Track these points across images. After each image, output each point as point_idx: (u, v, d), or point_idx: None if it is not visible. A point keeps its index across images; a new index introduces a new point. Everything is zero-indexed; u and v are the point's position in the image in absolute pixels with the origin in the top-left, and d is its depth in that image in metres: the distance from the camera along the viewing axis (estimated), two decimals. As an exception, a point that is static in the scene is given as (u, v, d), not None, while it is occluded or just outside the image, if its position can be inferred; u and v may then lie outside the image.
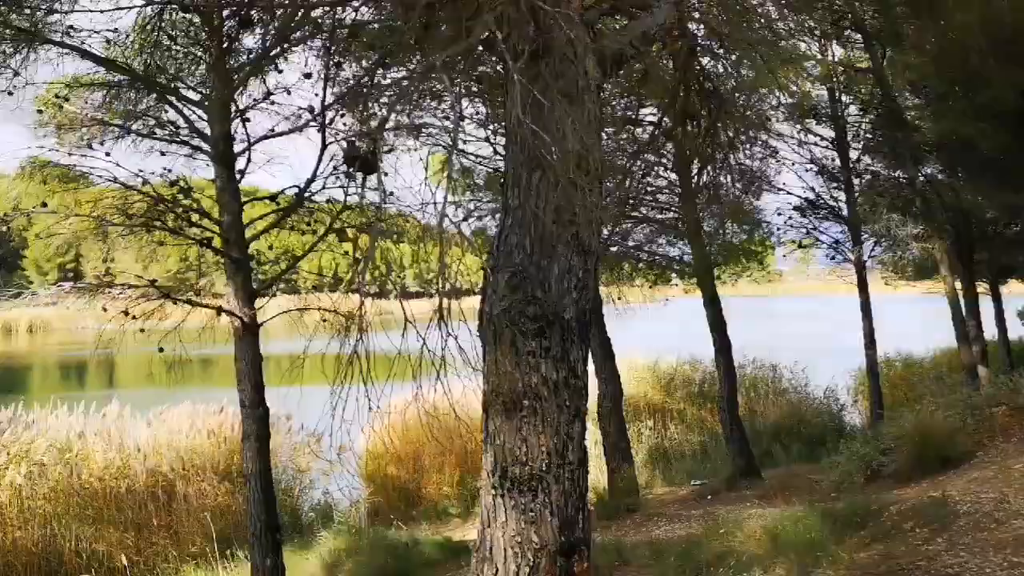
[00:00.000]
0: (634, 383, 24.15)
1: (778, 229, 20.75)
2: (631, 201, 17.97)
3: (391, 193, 6.36)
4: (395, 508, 19.09)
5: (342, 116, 11.07)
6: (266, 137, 11.90)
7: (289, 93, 11.62)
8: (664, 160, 17.18)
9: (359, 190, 5.09)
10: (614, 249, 18.21)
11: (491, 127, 14.66)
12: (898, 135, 18.44)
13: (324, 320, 11.73)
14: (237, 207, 11.55)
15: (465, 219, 16.37)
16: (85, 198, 11.13)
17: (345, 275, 13.71)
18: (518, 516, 4.48)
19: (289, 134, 11.84)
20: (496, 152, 15.43)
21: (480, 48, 4.94)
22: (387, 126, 4.38)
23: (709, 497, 16.44)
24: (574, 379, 4.62)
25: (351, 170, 4.56)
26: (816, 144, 21.13)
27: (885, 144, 20.06)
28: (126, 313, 10.28)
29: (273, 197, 12.23)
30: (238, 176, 11.42)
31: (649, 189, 17.74)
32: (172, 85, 11.52)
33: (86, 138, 11.45)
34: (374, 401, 4.63)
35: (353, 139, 5.12)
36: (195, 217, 11.27)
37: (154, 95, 11.45)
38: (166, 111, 11.73)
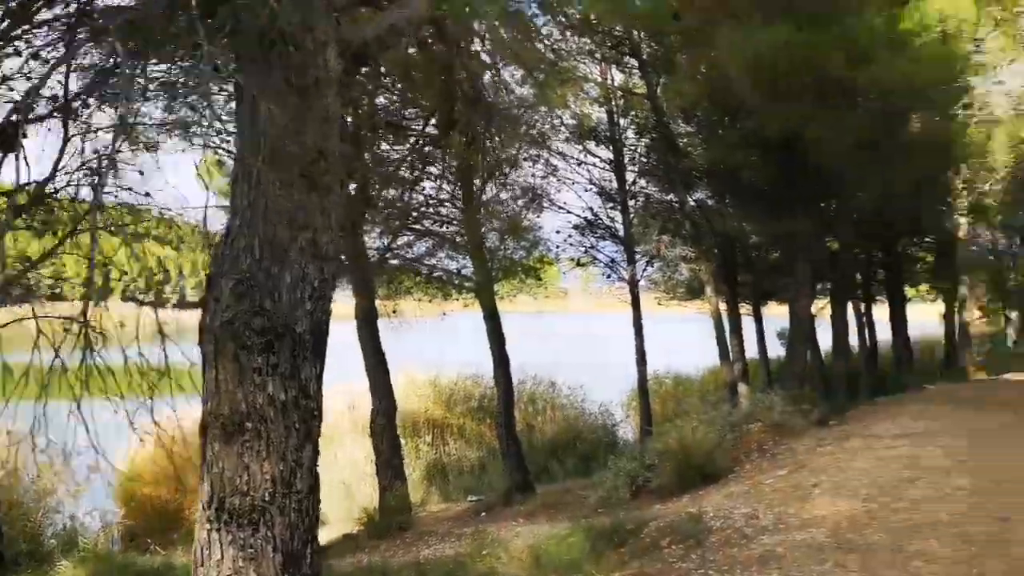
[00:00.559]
0: (414, 398, 23.81)
1: (557, 247, 21.08)
2: (414, 213, 17.70)
3: (147, 194, 5.77)
4: (153, 531, 17.72)
5: (87, 108, 10.11)
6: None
7: (29, 79, 10.50)
8: (447, 174, 16.99)
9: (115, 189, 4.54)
10: (395, 262, 17.84)
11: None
12: (670, 160, 19.18)
13: (41, 332, 10.66)
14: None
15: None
16: None
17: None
18: (235, 553, 3.99)
19: (30, 124, 10.70)
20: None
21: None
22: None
23: (484, 514, 16.30)
24: (305, 399, 4.19)
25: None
26: (595, 165, 21.63)
27: (658, 168, 20.81)
28: None
29: (8, 193, 10.98)
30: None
31: (431, 201, 17.49)
32: None
33: None
34: (132, 416, 4.11)
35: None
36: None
37: None
38: None
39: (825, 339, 24.52)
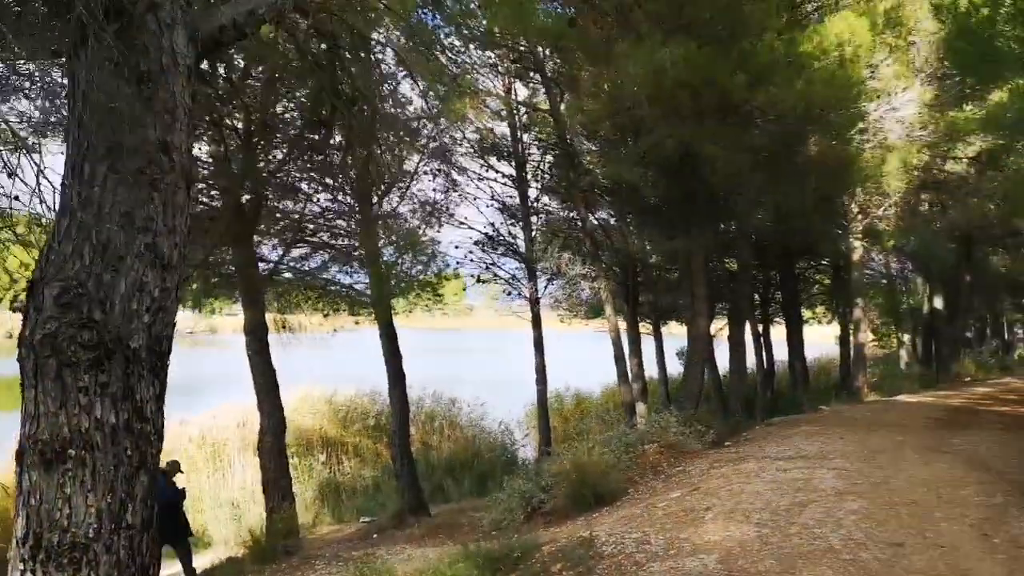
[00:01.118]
0: (309, 415, 23.14)
1: (458, 263, 20.75)
2: (310, 225, 17.17)
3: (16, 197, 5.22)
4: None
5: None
6: None
7: None
8: (345, 186, 16.51)
9: None
10: (288, 275, 17.25)
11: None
12: (571, 176, 19.08)
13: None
14: None
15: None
16: None
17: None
18: (52, 597, 3.50)
19: None
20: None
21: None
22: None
23: (375, 535, 15.86)
24: (140, 422, 3.72)
25: None
26: (496, 180, 21.39)
27: (560, 184, 20.70)
28: None
29: None
30: None
31: (326, 213, 16.98)
32: None
33: None
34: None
35: None
36: None
37: None
38: None
39: (724, 359, 24.76)
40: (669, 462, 13.04)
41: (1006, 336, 43.71)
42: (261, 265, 15.80)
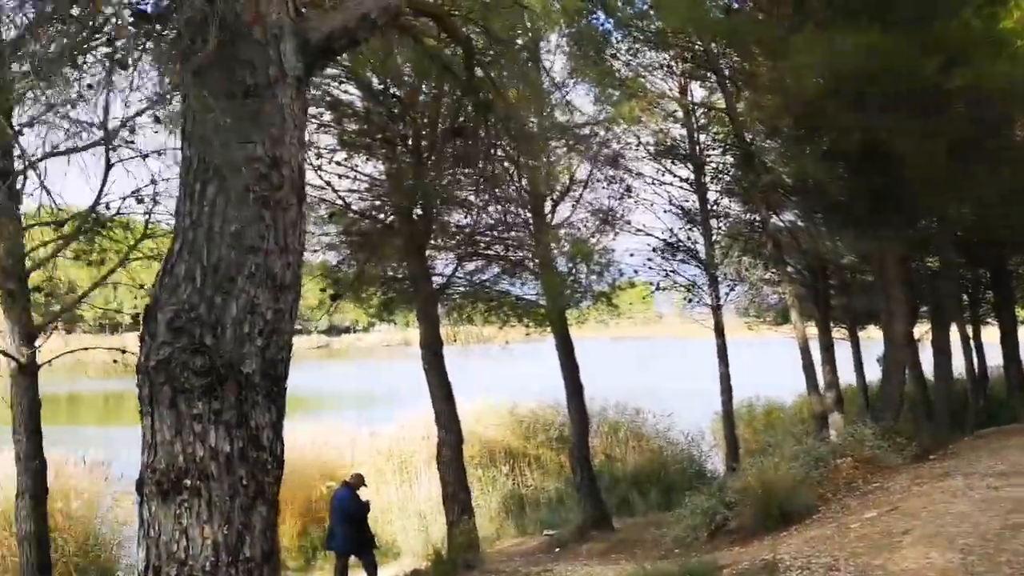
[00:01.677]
0: (491, 426, 23.23)
1: (635, 271, 20.28)
2: (485, 236, 17.23)
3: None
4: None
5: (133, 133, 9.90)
6: (50, 155, 10.57)
7: (75, 107, 10.36)
8: (521, 196, 16.48)
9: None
10: (463, 289, 17.37)
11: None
12: (752, 177, 18.21)
13: (115, 361, 10.59)
14: (15, 231, 10.23)
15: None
16: None
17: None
18: (171, 634, 3.39)
19: (75, 152, 10.57)
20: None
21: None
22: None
23: (557, 549, 15.66)
24: (256, 450, 3.57)
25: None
26: (673, 184, 20.80)
27: (740, 186, 19.85)
28: None
29: (60, 223, 10.85)
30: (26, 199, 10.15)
31: (499, 226, 16.97)
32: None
33: None
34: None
35: None
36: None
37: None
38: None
39: (929, 364, 22.99)
40: (865, 478, 12.14)
41: None
42: (435, 279, 15.95)
